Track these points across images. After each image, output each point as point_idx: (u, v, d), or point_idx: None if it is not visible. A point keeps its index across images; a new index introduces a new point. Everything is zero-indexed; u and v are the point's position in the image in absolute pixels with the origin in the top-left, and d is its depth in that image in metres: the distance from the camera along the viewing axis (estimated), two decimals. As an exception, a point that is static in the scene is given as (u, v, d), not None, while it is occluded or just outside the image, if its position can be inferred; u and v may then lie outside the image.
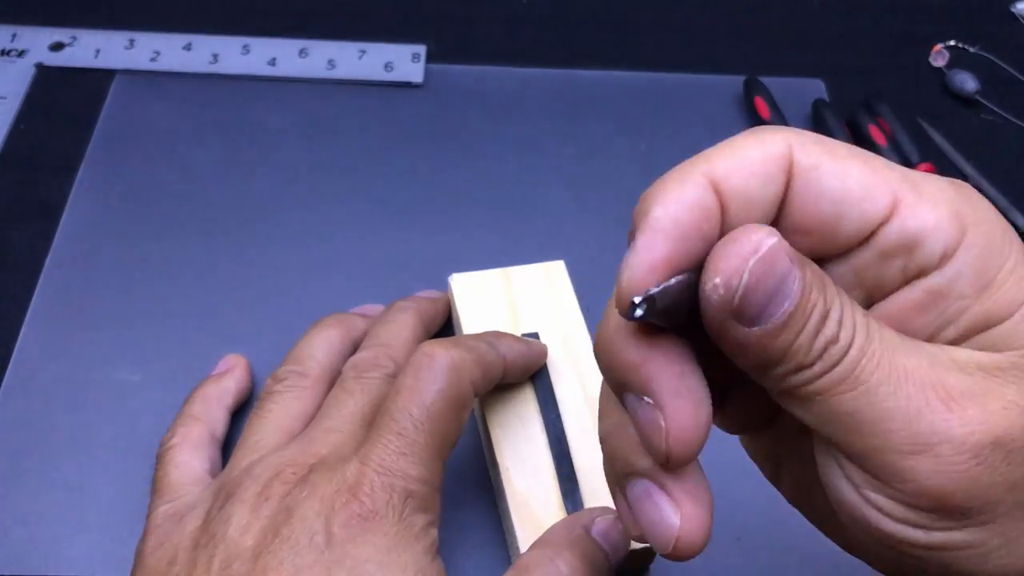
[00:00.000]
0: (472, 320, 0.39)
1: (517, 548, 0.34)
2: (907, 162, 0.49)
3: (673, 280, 0.19)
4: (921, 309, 0.21)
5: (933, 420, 0.19)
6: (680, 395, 0.20)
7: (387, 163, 0.49)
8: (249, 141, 0.50)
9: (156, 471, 0.35)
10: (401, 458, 0.30)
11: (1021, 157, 0.53)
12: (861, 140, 0.50)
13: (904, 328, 0.21)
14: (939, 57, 0.57)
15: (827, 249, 0.21)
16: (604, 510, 0.33)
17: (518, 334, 0.38)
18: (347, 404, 0.34)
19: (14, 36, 0.54)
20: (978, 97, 0.55)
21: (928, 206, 0.20)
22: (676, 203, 0.20)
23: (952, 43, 0.58)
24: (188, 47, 0.54)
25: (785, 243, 0.19)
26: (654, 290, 0.19)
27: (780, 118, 0.50)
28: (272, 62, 0.53)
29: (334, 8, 0.57)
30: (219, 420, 0.38)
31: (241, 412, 0.39)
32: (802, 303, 0.19)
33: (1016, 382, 0.20)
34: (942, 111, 0.55)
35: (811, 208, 0.20)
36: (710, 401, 0.21)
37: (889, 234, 0.20)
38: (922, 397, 0.19)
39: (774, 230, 0.19)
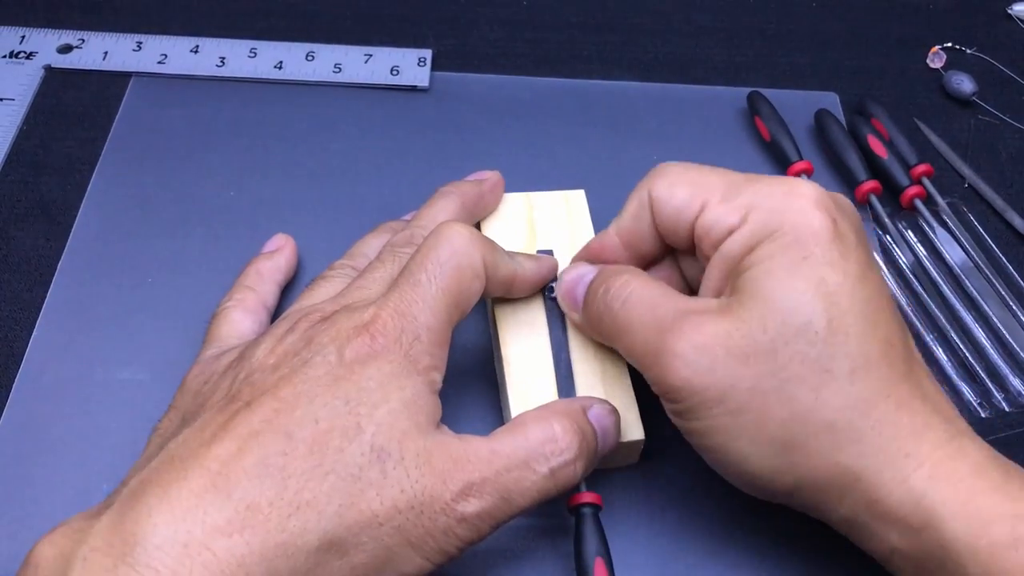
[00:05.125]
0: (492, 235, 0.42)
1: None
2: (905, 163, 0.50)
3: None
4: (716, 267, 0.33)
5: (653, 338, 0.32)
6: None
7: (393, 167, 0.50)
8: (255, 144, 0.50)
9: (209, 325, 0.40)
10: (414, 305, 0.33)
11: (1018, 158, 0.53)
12: (859, 142, 0.51)
13: (710, 280, 0.33)
14: (936, 59, 0.58)
15: (681, 244, 0.36)
16: (602, 401, 0.36)
17: (534, 251, 0.41)
18: (378, 270, 0.37)
19: (23, 38, 0.54)
20: (975, 99, 0.55)
21: (723, 206, 0.33)
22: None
23: (949, 45, 0.59)
24: (196, 50, 0.54)
25: (582, 268, 0.38)
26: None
27: (782, 129, 0.50)
28: (279, 65, 0.54)
29: (340, 12, 0.58)
30: (270, 292, 0.42)
31: (287, 289, 0.44)
32: (593, 287, 0.36)
33: (724, 316, 0.31)
34: (939, 113, 0.55)
35: (661, 222, 0.35)
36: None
37: (697, 228, 0.34)
38: (655, 322, 0.32)
39: (575, 265, 0.38)
